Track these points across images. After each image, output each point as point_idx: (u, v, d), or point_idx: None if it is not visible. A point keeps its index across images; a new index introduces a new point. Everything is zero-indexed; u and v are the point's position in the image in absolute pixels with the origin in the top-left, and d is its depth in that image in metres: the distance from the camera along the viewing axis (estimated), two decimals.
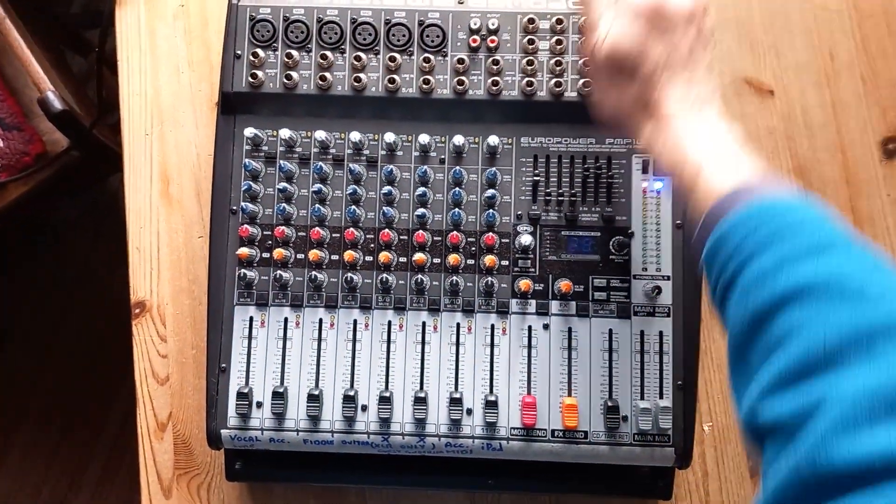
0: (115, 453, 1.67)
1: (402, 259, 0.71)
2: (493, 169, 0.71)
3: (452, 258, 0.69)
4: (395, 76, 0.71)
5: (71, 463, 1.67)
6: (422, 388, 0.69)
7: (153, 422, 0.79)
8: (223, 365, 0.70)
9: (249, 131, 0.71)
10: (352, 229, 0.70)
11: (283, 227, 0.71)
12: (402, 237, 0.71)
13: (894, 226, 0.80)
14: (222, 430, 0.69)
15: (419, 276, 0.69)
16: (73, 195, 1.64)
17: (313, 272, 0.70)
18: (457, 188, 0.71)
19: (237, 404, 0.69)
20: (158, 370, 0.80)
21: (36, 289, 1.80)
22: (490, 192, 0.70)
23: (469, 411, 0.68)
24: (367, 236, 0.71)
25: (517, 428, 0.68)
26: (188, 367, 0.79)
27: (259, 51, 0.71)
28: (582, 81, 0.70)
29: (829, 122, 0.82)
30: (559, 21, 0.71)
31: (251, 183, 0.71)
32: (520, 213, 0.71)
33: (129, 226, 0.82)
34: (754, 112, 0.82)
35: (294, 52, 0.71)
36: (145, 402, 0.79)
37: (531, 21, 0.71)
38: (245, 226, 0.70)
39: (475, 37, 0.71)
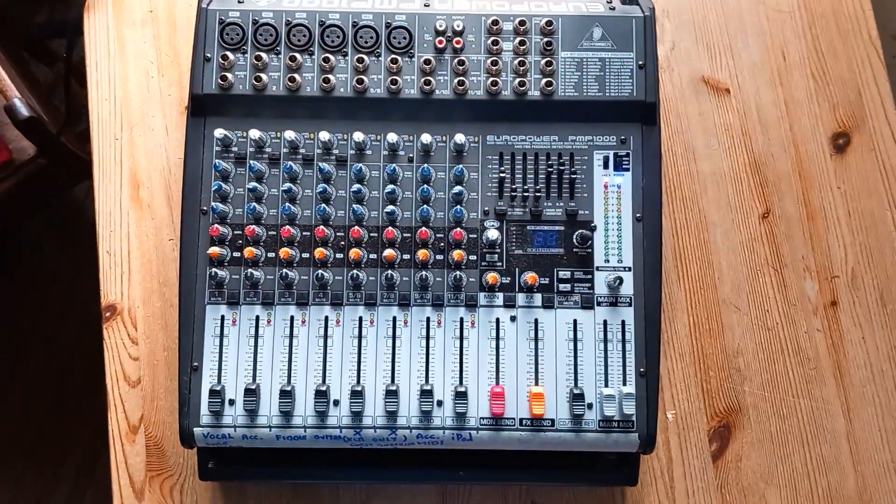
0: (87, 462, 1.65)
1: (372, 255, 0.72)
2: (460, 166, 0.73)
3: (421, 254, 0.71)
4: (363, 77, 0.73)
5: (43, 475, 1.65)
6: (393, 381, 0.70)
7: (125, 424, 0.79)
8: (195, 363, 0.70)
9: (219, 132, 0.72)
10: (322, 227, 0.71)
11: (254, 226, 0.71)
12: (371, 234, 0.72)
13: (844, 217, 0.83)
14: (195, 429, 0.69)
15: (389, 271, 0.71)
16: (39, 204, 1.62)
17: (284, 270, 0.71)
18: (425, 185, 0.72)
19: (210, 402, 0.69)
20: (130, 373, 0.80)
21: (3, 300, 1.78)
22: (457, 188, 0.72)
23: (439, 403, 0.69)
24: (338, 234, 0.72)
25: (486, 418, 0.69)
26: (159, 368, 0.79)
27: (228, 53, 0.73)
28: (544, 81, 0.72)
29: (782, 118, 0.85)
30: (522, 23, 0.73)
31: (221, 183, 0.72)
32: (486, 208, 0.73)
33: (99, 230, 0.82)
34: (712, 110, 0.86)
35: (263, 55, 0.73)
36: (116, 405, 0.79)
37: (495, 23, 0.73)
38: (216, 225, 0.71)
39: (441, 38, 0.73)
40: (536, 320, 0.71)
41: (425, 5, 0.75)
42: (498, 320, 0.71)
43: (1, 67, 1.15)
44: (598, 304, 0.71)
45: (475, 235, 0.72)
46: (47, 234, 1.82)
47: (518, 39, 0.73)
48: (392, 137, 0.72)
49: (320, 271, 0.71)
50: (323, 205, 0.72)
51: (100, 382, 0.79)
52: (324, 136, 0.72)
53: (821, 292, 0.82)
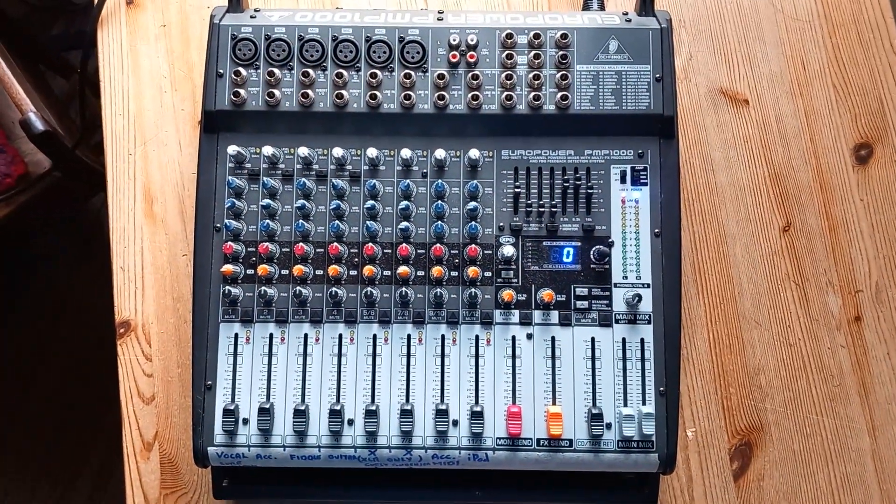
0: (100, 479, 1.65)
1: (387, 272, 0.71)
2: (475, 182, 0.72)
3: (436, 270, 0.70)
4: (376, 92, 0.72)
5: (56, 490, 1.65)
6: (408, 400, 0.69)
7: (139, 442, 0.79)
8: (209, 382, 0.70)
9: (232, 149, 0.72)
10: (336, 244, 0.71)
11: (267, 244, 0.71)
12: (385, 251, 0.71)
13: (868, 230, 0.82)
14: (209, 448, 0.69)
15: (403, 288, 0.70)
16: (55, 216, 1.64)
17: (298, 287, 0.70)
18: (439, 201, 0.71)
19: (223, 421, 0.68)
20: (144, 389, 0.79)
21: (16, 313, 1.79)
22: (472, 204, 0.71)
23: (455, 422, 0.68)
24: (351, 250, 0.71)
25: (503, 438, 0.68)
26: (174, 385, 0.79)
27: (241, 69, 0.72)
28: (560, 94, 0.72)
29: (802, 129, 0.84)
30: (536, 36, 0.72)
31: (235, 200, 0.71)
32: (501, 224, 0.72)
33: (113, 245, 0.82)
34: (730, 121, 0.84)
35: (276, 71, 0.72)
36: (131, 422, 0.79)
37: (509, 36, 0.72)
38: (229, 243, 0.71)
39: (455, 52, 0.73)
40: (553, 338, 0.70)
41: (438, 19, 0.74)
42: (514, 338, 0.70)
43: (16, 81, 1.15)
44: (617, 321, 0.70)
45: (490, 252, 0.71)
46: (63, 245, 1.82)
47: (533, 53, 0.72)
48: (406, 153, 0.72)
49: (334, 288, 0.70)
50: (336, 221, 0.71)
51: (113, 395, 0.79)
52: (337, 152, 0.71)
53: (844, 307, 0.80)
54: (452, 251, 0.71)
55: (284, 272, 0.71)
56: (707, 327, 0.80)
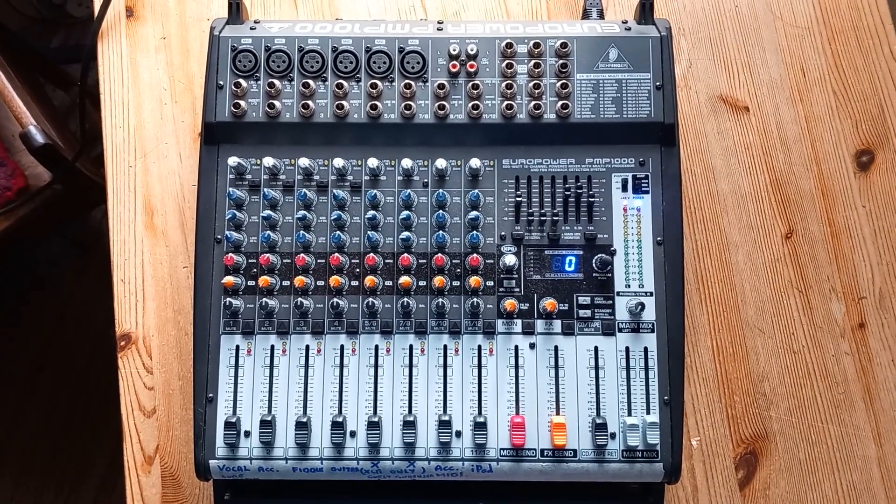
0: (106, 484, 1.64)
1: (388, 283, 0.71)
2: (476, 191, 0.71)
3: (438, 280, 0.70)
4: (376, 103, 0.72)
5: (61, 496, 1.64)
6: (410, 411, 0.68)
7: (140, 455, 0.78)
8: (210, 395, 0.69)
9: (233, 160, 0.72)
10: (337, 254, 0.70)
11: (268, 255, 0.71)
12: (387, 261, 0.71)
13: (870, 237, 0.82)
14: (210, 461, 0.68)
15: (405, 299, 0.70)
16: (56, 229, 1.64)
17: (299, 299, 0.70)
18: (440, 211, 0.71)
19: (225, 434, 0.68)
20: (145, 402, 0.79)
21: (18, 324, 1.78)
22: (473, 213, 0.71)
23: (458, 433, 0.68)
24: (353, 261, 0.71)
25: (506, 448, 0.68)
26: (175, 398, 0.79)
27: (241, 81, 0.72)
28: (560, 103, 0.71)
29: (803, 136, 0.84)
30: (536, 45, 0.72)
31: (235, 211, 0.71)
32: (503, 233, 0.71)
33: (113, 258, 0.82)
34: (730, 128, 0.84)
35: (276, 82, 0.72)
36: (132, 436, 0.78)
37: (509, 45, 0.72)
38: (230, 254, 0.71)
39: (455, 62, 0.73)
40: (556, 347, 0.69)
41: (438, 29, 0.74)
42: (517, 348, 0.70)
43: (16, 94, 1.15)
44: (620, 330, 0.69)
45: (492, 261, 0.71)
46: (63, 258, 1.82)
47: (533, 62, 0.72)
48: (406, 163, 0.72)
49: (335, 299, 0.70)
50: (338, 232, 0.71)
51: (116, 403, 0.79)
52: (338, 162, 0.71)
53: (848, 314, 0.80)
54: (454, 261, 0.71)
55: (285, 283, 0.71)
56: (710, 335, 0.79)
